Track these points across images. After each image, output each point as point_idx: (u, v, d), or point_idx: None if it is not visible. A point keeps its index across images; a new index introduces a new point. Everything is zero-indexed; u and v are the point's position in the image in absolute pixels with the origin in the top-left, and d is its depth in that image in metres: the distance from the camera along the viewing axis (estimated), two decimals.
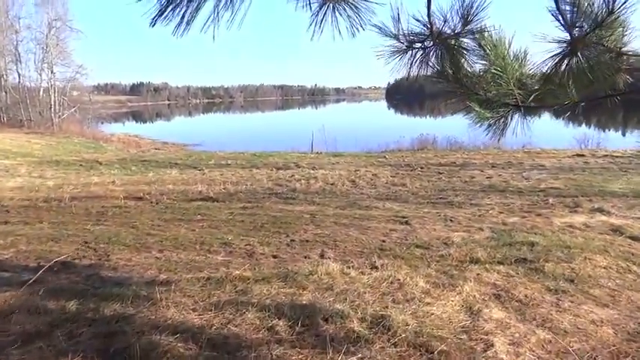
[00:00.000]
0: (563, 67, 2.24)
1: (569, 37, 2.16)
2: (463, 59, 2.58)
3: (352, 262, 4.62)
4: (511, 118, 2.71)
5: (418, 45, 2.33)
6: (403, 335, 2.86)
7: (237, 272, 4.01)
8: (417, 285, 3.79)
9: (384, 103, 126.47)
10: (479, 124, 2.74)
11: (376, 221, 6.77)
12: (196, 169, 13.46)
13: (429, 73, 2.66)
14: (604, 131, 24.66)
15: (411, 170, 12.28)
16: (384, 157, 15.41)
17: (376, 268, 4.29)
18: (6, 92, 32.95)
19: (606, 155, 14.30)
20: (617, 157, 13.93)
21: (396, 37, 2.33)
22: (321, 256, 5.01)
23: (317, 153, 17.66)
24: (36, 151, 21.00)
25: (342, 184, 10.21)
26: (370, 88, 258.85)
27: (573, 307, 3.61)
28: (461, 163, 13.37)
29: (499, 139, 2.90)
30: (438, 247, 5.33)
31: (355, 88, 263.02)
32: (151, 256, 4.89)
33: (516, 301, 3.70)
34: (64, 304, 3.23)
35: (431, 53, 2.35)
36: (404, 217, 6.96)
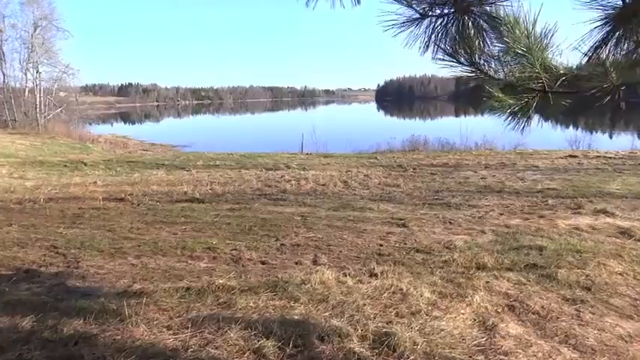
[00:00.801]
0: (612, 40, 1.86)
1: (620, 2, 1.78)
2: (484, 33, 2.18)
3: (348, 268, 4.21)
4: (536, 106, 2.33)
5: (437, 12, 1.94)
6: (412, 357, 2.46)
7: (221, 281, 3.57)
8: (422, 295, 3.39)
9: (373, 105, 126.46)
10: (499, 114, 2.37)
11: (372, 223, 6.38)
12: (184, 169, 13.01)
13: (446, 49, 2.26)
14: (591, 133, 24.57)
15: (404, 171, 11.93)
16: (376, 157, 15.07)
17: (375, 275, 3.88)
18: None
19: (599, 156, 14.09)
20: (609, 158, 13.72)
21: (408, 3, 1.94)
22: (314, 261, 4.58)
23: (307, 154, 17.27)
24: (20, 152, 20.39)
25: (334, 184, 9.81)
26: (360, 89, 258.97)
27: (596, 320, 3.24)
28: (453, 164, 13.06)
29: (523, 129, 2.50)
30: (440, 252, 4.94)
31: (345, 89, 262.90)
32: (127, 263, 4.41)
33: (533, 313, 3.32)
34: (18, 322, 2.78)
35: (450, 23, 1.96)
36: (401, 220, 6.58)
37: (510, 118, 2.34)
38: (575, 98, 2.28)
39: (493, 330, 2.92)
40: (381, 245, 5.23)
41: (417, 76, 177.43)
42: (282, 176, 11.08)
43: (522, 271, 4.33)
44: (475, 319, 3.08)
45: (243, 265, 4.38)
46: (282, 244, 5.21)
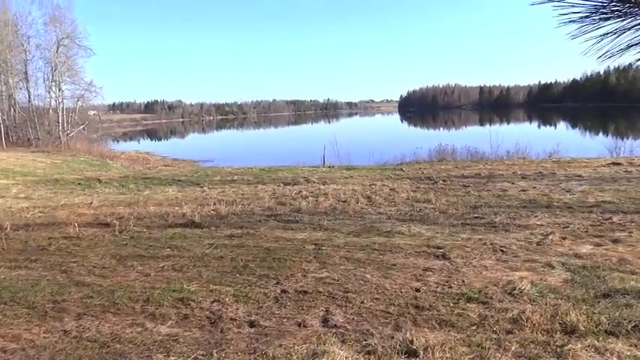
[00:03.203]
0: None
1: None
2: None
3: (372, 334, 2.88)
4: None
5: None
6: None
7: None
8: None
9: (397, 116, 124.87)
10: None
11: (403, 254, 5.02)
12: (198, 185, 11.95)
13: None
14: (622, 140, 22.69)
15: (433, 183, 10.52)
16: (401, 169, 13.72)
17: (415, 355, 2.53)
18: (15, 111, 32.30)
19: None
20: None
21: None
22: (324, 321, 3.25)
23: (329, 167, 16.06)
24: (38, 170, 19.94)
25: (357, 201, 8.49)
26: (382, 101, 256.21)
27: None
28: (486, 175, 11.59)
29: None
30: (501, 302, 3.54)
31: (367, 101, 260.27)
32: (57, 329, 3.16)
33: None
34: None
35: None
36: (439, 248, 5.20)
37: None
38: None
39: None
40: (417, 290, 3.84)
41: (441, 85, 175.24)
42: (299, 192, 9.84)
43: (632, 336, 2.92)
44: None
45: (221, 330, 3.07)
46: (283, 291, 3.87)
